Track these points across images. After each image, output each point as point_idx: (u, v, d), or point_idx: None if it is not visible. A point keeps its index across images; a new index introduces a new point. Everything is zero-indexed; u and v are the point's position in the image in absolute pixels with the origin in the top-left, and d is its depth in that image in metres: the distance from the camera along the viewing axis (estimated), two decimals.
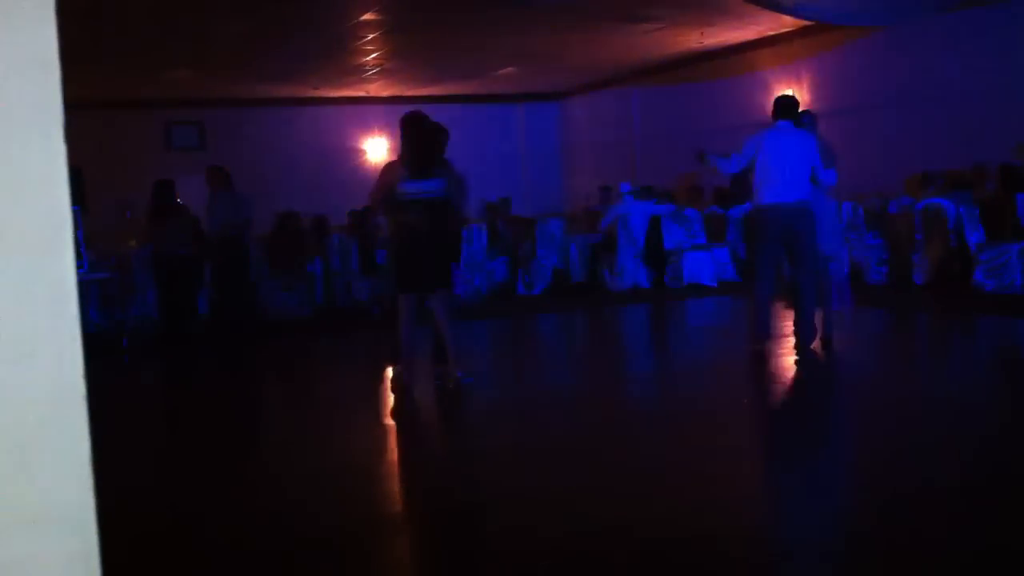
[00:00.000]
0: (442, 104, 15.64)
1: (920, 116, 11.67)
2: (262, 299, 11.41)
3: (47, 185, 0.95)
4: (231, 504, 4.60)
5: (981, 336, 8.84)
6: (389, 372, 7.31)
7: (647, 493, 4.36)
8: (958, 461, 4.67)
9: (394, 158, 7.01)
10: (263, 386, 8.45)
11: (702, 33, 12.78)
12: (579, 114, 18.39)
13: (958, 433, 5.16)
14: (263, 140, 16.14)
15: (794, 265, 7.33)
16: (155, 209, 10.28)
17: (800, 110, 7.61)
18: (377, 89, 15.94)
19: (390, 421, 6.37)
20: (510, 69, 14.89)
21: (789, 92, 11.07)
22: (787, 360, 7.23)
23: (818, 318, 7.44)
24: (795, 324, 7.37)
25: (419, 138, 6.60)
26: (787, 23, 12.33)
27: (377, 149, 16.96)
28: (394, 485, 5.00)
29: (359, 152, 17.10)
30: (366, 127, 17.00)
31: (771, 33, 13.14)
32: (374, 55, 13.07)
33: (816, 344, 7.39)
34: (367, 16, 10.64)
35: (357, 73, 14.41)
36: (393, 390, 6.92)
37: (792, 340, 7.40)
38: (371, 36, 11.76)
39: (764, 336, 7.44)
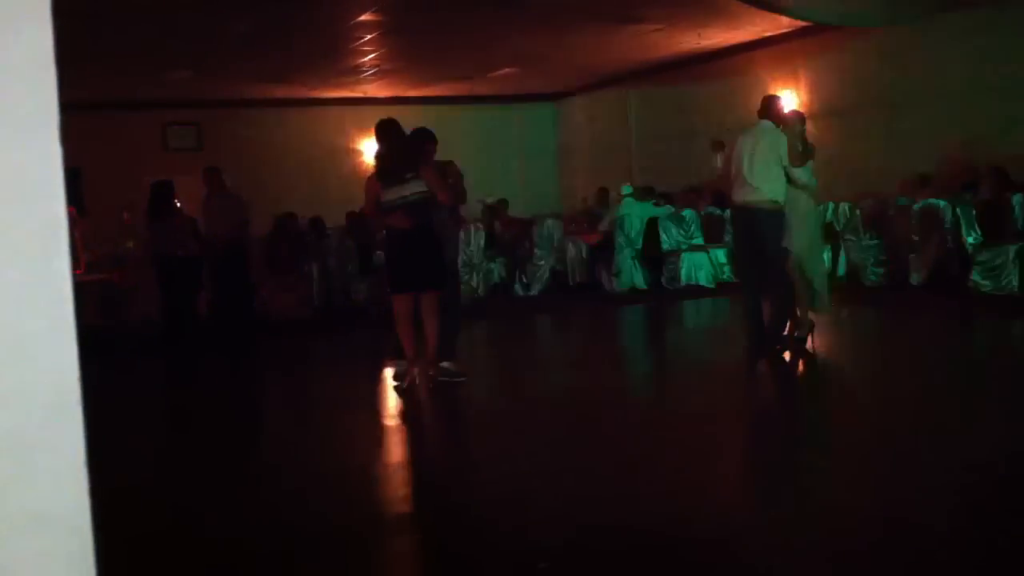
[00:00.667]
0: (440, 105, 15.64)
1: (917, 117, 11.66)
2: (261, 300, 11.40)
3: (43, 187, 0.95)
4: (231, 504, 4.60)
5: (978, 337, 8.84)
6: (387, 372, 7.32)
7: (647, 493, 4.36)
8: (958, 460, 4.67)
9: (372, 171, 7.28)
10: (262, 386, 8.45)
11: (700, 34, 12.77)
12: (577, 115, 18.38)
13: (954, 435, 5.16)
14: (261, 141, 16.10)
15: (758, 266, 7.26)
16: (153, 210, 10.27)
17: (788, 111, 7.57)
18: (375, 90, 15.92)
19: (389, 421, 6.37)
20: (508, 70, 14.88)
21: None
22: (770, 365, 7.20)
23: (792, 320, 7.43)
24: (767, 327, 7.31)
25: (389, 148, 6.98)
26: (785, 24, 12.32)
27: (375, 150, 16.89)
28: (393, 485, 5.00)
29: (357, 153, 17.07)
30: (364, 128, 16.95)
31: (769, 34, 13.13)
32: (372, 56, 13.07)
33: (785, 349, 7.32)
34: (365, 17, 10.63)
35: (355, 74, 14.39)
36: (394, 389, 6.93)
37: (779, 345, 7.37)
38: (369, 37, 11.75)
39: (757, 343, 7.31)
